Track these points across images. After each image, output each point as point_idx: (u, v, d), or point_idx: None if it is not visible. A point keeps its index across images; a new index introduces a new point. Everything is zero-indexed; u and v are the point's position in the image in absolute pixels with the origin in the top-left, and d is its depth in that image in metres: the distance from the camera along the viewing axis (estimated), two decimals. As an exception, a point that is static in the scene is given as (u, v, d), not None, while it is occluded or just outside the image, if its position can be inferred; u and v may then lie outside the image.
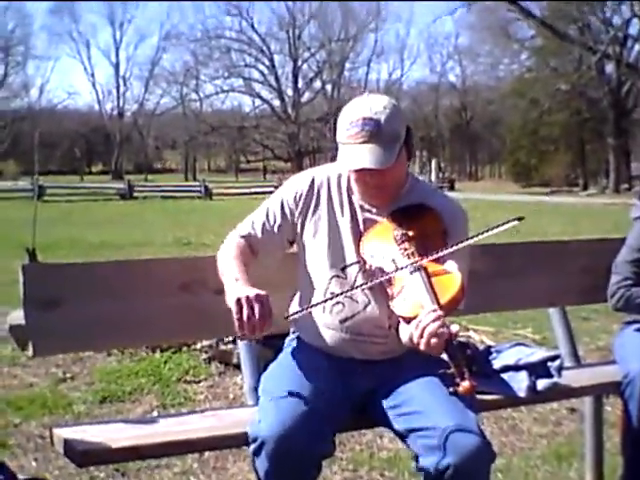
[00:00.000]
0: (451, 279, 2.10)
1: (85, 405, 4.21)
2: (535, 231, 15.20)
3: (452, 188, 41.03)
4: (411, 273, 2.08)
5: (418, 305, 2.01)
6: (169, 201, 29.56)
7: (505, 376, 2.57)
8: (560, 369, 2.63)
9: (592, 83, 44.29)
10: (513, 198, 29.80)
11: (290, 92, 61.63)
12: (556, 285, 3.20)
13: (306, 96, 62.56)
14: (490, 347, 2.76)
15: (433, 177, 34.20)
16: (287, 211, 2.34)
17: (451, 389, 1.90)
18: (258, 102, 64.30)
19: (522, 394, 2.53)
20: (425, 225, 2.23)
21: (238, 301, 2.03)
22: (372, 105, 2.16)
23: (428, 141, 64.16)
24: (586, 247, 3.44)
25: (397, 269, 2.11)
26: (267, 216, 2.35)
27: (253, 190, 31.79)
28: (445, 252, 2.11)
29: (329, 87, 61.99)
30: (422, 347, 1.94)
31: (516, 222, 2.05)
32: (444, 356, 1.95)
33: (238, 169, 70.56)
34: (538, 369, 2.58)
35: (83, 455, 2.14)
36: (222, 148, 68.11)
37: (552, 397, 2.84)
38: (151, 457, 2.77)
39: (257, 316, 2.02)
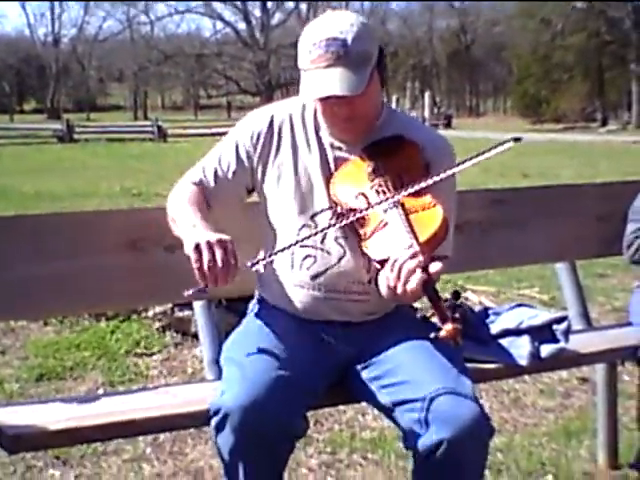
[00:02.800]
0: (432, 214, 2.09)
1: (18, 383, 4.22)
2: (546, 174, 15.34)
3: (449, 125, 41.12)
4: (385, 211, 2.09)
5: (393, 245, 2.01)
6: (116, 144, 29.34)
7: (504, 342, 2.59)
8: (567, 333, 2.66)
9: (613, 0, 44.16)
10: (520, 136, 29.82)
11: (258, 13, 61.15)
12: (567, 236, 3.23)
13: (277, 18, 62.14)
14: (487, 309, 2.78)
15: (427, 113, 34.25)
16: (243, 155, 2.33)
17: (432, 334, 1.90)
18: (220, 25, 63.94)
19: (524, 362, 2.55)
20: (403, 159, 2.23)
21: (197, 247, 2.02)
22: (336, 23, 2.14)
23: (421, 70, 64.06)
24: (603, 191, 3.46)
25: (369, 206, 2.12)
26: (220, 162, 2.34)
27: (215, 130, 31.45)
28: (425, 184, 2.09)
29: (304, 7, 61.46)
30: (399, 290, 1.95)
31: (511, 143, 2.05)
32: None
33: (197, 105, 70.20)
34: (542, 333, 2.61)
35: (15, 440, 2.14)
36: (178, 80, 67.60)
37: (559, 365, 2.89)
38: (96, 441, 2.81)
39: (220, 263, 2.01)
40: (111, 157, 22.81)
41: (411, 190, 2.09)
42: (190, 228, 2.13)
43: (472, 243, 2.93)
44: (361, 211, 2.12)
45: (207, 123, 39.46)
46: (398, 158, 2.23)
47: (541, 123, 47.10)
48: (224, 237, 2.05)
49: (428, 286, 1.91)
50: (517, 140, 2.05)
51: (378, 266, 2.09)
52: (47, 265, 2.47)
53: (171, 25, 65.68)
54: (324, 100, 2.16)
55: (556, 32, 45.45)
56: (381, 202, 2.11)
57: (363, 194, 2.17)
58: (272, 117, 2.34)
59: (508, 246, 3.13)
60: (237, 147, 2.33)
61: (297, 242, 2.15)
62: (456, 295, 1.88)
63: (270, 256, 2.16)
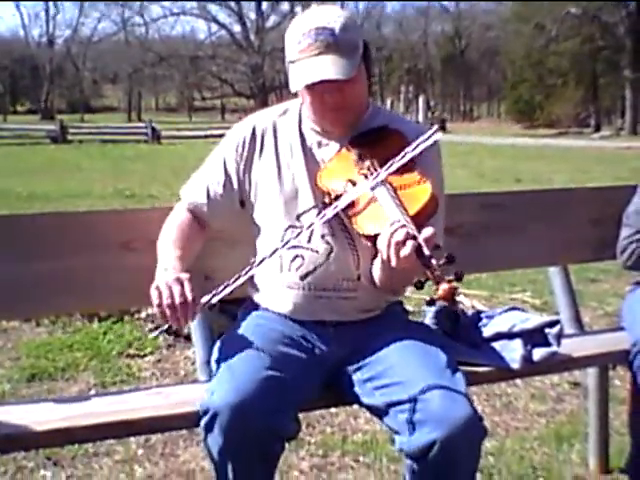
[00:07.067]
0: (420, 189, 2.12)
1: (10, 384, 4.21)
2: (539, 179, 15.36)
3: (443, 129, 41.10)
4: (372, 189, 2.11)
5: (384, 220, 2.02)
6: (109, 145, 29.28)
7: (496, 345, 2.60)
8: (559, 336, 2.66)
9: (607, 6, 44.24)
10: (514, 141, 29.98)
11: (252, 15, 61.10)
12: (559, 240, 3.23)
13: (272, 20, 62.12)
14: (480, 312, 2.79)
15: (421, 117, 34.25)
16: (230, 168, 2.36)
17: (427, 298, 1.90)
18: (214, 27, 63.89)
19: (516, 365, 2.55)
20: (389, 146, 2.23)
21: (156, 289, 2.10)
22: (323, 14, 2.19)
23: (415, 74, 64.10)
24: (595, 195, 3.46)
25: (355, 188, 2.13)
26: (210, 180, 2.38)
27: (209, 132, 31.54)
28: (406, 158, 2.12)
29: (299, 9, 61.32)
30: (393, 263, 1.96)
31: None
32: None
33: (191, 107, 70.14)
34: (534, 337, 2.61)
35: (6, 440, 2.14)
36: (172, 82, 67.56)
37: (551, 369, 2.89)
38: (87, 441, 2.81)
39: (177, 299, 2.07)
40: (104, 158, 22.77)
41: (395, 166, 2.12)
42: (161, 272, 2.20)
43: (465, 246, 2.92)
44: (345, 194, 2.13)
45: (201, 125, 39.53)
46: (384, 146, 2.25)
47: (535, 128, 47.18)
48: (181, 275, 2.11)
49: (421, 251, 1.91)
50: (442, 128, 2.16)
51: (368, 243, 2.10)
52: (40, 265, 2.47)
53: (166, 27, 65.89)
54: (313, 88, 2.18)
55: (550, 37, 45.52)
56: (366, 181, 2.13)
57: (351, 180, 2.18)
58: (254, 127, 2.37)
59: (501, 250, 3.13)
60: (225, 162, 2.38)
61: (276, 250, 2.13)
62: (450, 258, 1.88)
63: (254, 267, 2.13)
